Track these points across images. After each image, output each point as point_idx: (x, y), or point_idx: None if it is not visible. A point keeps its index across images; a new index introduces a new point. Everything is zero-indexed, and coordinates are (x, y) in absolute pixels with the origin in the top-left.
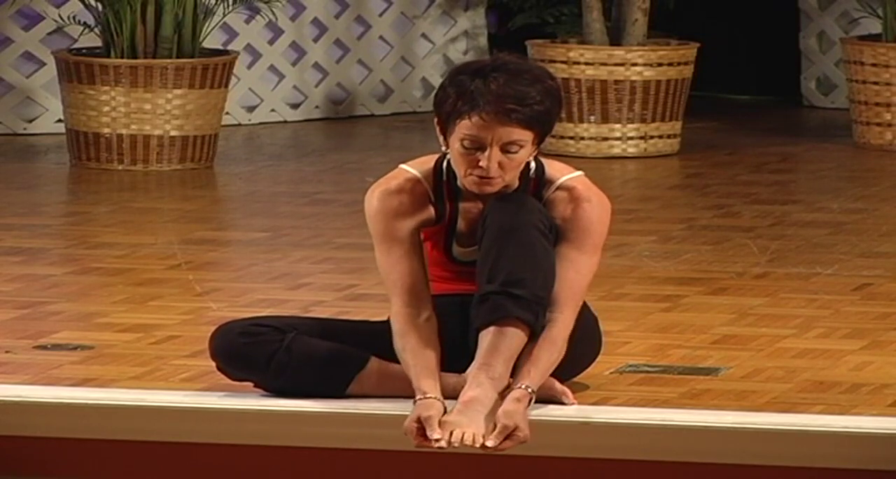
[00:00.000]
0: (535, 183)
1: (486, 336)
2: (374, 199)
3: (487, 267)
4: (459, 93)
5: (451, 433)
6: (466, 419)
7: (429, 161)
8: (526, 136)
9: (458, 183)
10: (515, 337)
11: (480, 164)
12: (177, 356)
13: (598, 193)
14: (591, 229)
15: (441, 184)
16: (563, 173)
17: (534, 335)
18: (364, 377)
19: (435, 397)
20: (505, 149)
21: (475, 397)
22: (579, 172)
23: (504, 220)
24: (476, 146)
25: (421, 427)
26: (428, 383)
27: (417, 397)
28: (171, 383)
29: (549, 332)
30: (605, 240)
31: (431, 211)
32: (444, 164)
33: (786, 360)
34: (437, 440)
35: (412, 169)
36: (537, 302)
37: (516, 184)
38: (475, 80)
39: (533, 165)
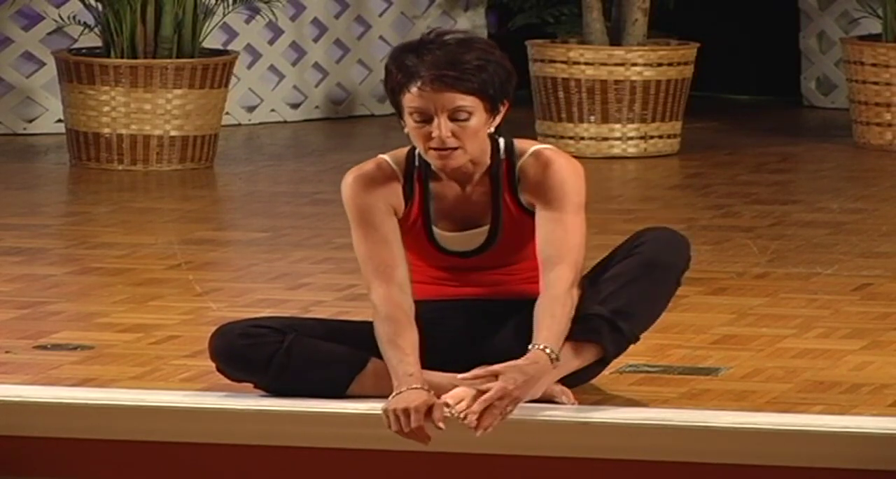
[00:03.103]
0: (507, 161)
1: (567, 349)
2: (347, 184)
3: (610, 288)
4: (398, 68)
5: (462, 401)
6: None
7: (404, 150)
8: (469, 101)
9: (432, 166)
10: (583, 358)
11: (433, 134)
12: (177, 356)
13: (567, 156)
14: (566, 188)
15: (413, 169)
16: (531, 145)
17: (602, 362)
18: (364, 378)
19: (420, 387)
20: (453, 117)
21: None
22: (547, 145)
23: (657, 255)
24: (424, 118)
25: (428, 412)
26: (421, 373)
27: (415, 386)
28: (171, 383)
29: (548, 292)
30: (605, 237)
31: (400, 193)
32: (417, 151)
33: (786, 360)
34: (447, 403)
35: (385, 156)
36: (629, 340)
37: (487, 162)
38: (412, 54)
39: (503, 144)
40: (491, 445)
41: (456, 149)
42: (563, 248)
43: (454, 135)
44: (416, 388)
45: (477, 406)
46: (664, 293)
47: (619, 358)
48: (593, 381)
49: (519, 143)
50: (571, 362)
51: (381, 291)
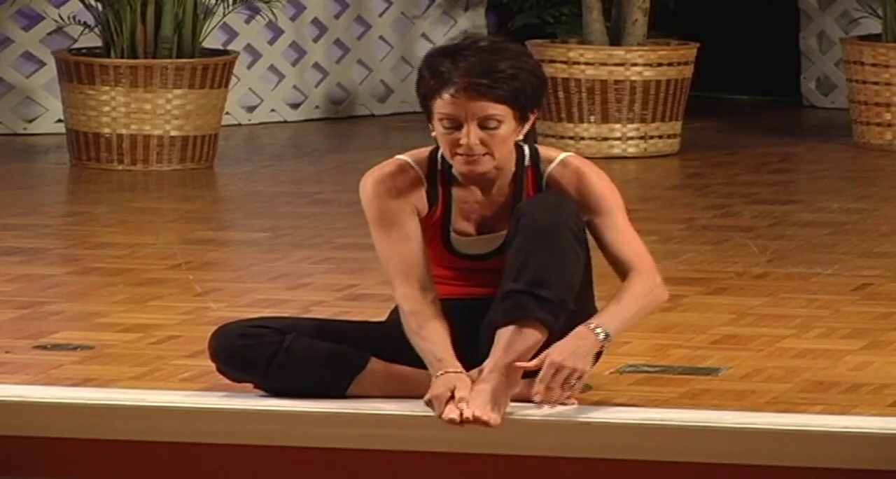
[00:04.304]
0: (533, 168)
1: (505, 334)
2: (368, 184)
3: (516, 265)
4: (432, 73)
5: (461, 412)
6: (475, 402)
7: (424, 151)
8: (501, 110)
9: (453, 171)
10: (532, 337)
11: (461, 142)
12: (177, 356)
13: (592, 164)
14: (611, 195)
15: (435, 172)
16: (557, 153)
17: (551, 337)
18: (364, 378)
19: (460, 371)
20: (483, 125)
21: (485, 389)
22: (570, 152)
23: (540, 219)
24: (454, 125)
25: (451, 397)
26: (451, 356)
27: (441, 371)
28: (171, 384)
29: (631, 286)
30: None
31: (424, 196)
32: (439, 153)
33: (786, 360)
34: (451, 420)
35: (405, 156)
36: (559, 305)
37: (512, 168)
38: (446, 59)
39: (527, 151)
40: (491, 445)
41: (483, 155)
42: (639, 252)
43: (483, 142)
44: (446, 372)
45: (537, 387)
46: (568, 253)
47: (619, 357)
48: (593, 381)
49: (544, 150)
50: (518, 345)
51: (403, 289)
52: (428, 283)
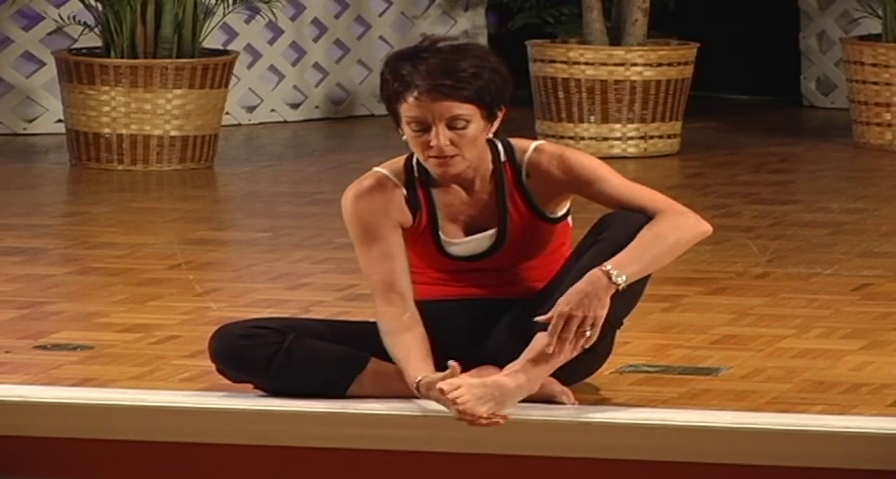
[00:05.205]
0: (510, 162)
1: (544, 339)
2: (348, 201)
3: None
4: (394, 77)
5: (458, 389)
6: (481, 392)
7: (399, 160)
8: (467, 109)
9: (431, 174)
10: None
11: (431, 143)
12: (177, 356)
13: (566, 147)
14: (596, 164)
15: (413, 179)
16: (529, 143)
17: (591, 350)
18: (364, 378)
19: (433, 375)
20: (451, 125)
21: (503, 384)
22: (542, 141)
23: (622, 239)
24: (422, 127)
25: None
26: (423, 367)
27: (417, 379)
28: (171, 384)
29: (651, 226)
30: None
31: (405, 207)
32: (414, 159)
33: (786, 360)
34: (441, 390)
35: (382, 169)
36: (614, 325)
37: (489, 166)
38: (407, 62)
39: (501, 146)
40: (491, 445)
41: (455, 156)
42: (646, 199)
43: (452, 143)
44: (421, 380)
45: (547, 339)
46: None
47: (619, 358)
48: (593, 381)
49: (516, 142)
50: (558, 356)
51: (382, 307)
52: (408, 298)
